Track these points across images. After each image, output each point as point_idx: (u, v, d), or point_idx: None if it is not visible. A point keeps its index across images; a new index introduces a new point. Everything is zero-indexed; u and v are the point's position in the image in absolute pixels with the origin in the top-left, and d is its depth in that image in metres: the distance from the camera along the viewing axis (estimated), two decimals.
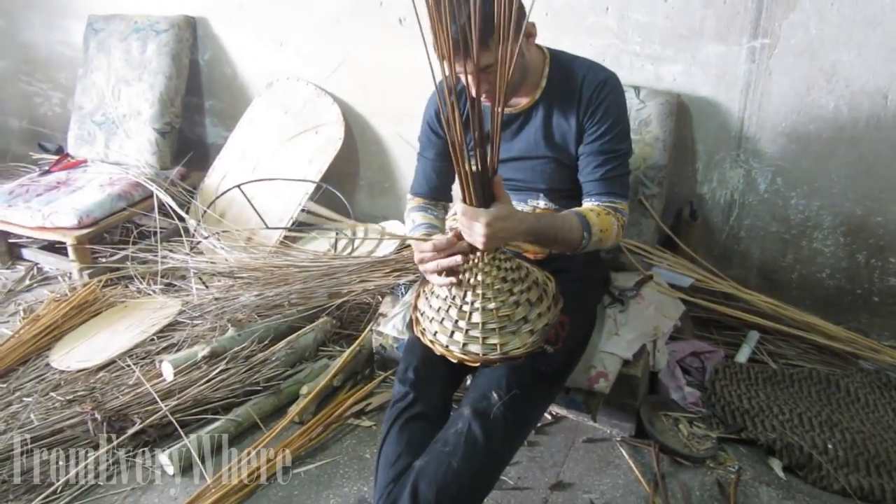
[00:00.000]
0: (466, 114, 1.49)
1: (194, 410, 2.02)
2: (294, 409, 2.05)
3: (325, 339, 2.34)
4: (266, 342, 2.24)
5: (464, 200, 1.47)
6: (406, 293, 2.24)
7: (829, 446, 1.87)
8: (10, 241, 3.05)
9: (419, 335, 1.62)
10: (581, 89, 1.71)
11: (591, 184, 1.73)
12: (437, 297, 1.59)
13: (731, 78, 2.28)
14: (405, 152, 2.92)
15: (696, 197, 2.45)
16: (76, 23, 3.42)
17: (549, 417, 2.08)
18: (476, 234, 1.44)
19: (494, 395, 1.54)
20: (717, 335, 2.41)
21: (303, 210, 2.87)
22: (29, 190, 2.94)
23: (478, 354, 1.54)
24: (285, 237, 2.80)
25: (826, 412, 2.01)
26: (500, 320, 1.52)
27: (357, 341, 2.23)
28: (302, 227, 2.90)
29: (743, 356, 2.27)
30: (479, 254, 1.53)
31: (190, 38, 3.11)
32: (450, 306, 1.56)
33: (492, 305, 1.52)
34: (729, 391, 2.10)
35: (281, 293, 2.30)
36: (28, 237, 3.00)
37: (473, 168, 1.43)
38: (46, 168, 3.15)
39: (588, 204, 1.72)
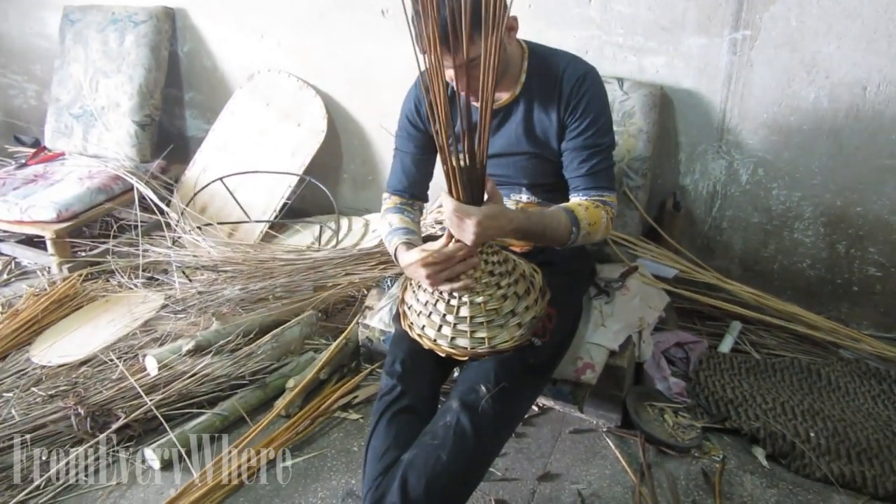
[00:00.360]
0: (449, 108, 1.48)
1: (179, 405, 2.01)
2: (280, 403, 2.04)
3: (311, 333, 2.33)
4: (251, 336, 2.22)
5: (450, 195, 1.47)
6: (392, 286, 2.23)
7: (812, 434, 1.90)
8: None
9: (407, 329, 1.62)
10: (561, 84, 1.70)
11: (577, 179, 1.73)
12: (424, 291, 1.59)
13: (712, 70, 2.29)
14: (389, 145, 2.86)
15: (679, 188, 2.47)
16: (52, 14, 3.36)
17: (536, 409, 2.09)
18: (466, 231, 1.44)
19: (483, 387, 1.54)
20: (700, 326, 2.43)
21: (286, 203, 2.85)
22: (5, 183, 2.89)
23: (466, 348, 1.54)
24: (268, 231, 2.78)
25: (808, 401, 2.04)
26: (487, 314, 1.53)
27: (343, 334, 2.22)
28: (286, 220, 2.88)
29: (726, 346, 2.30)
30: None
31: (169, 29, 3.07)
32: (437, 300, 1.56)
33: (479, 299, 1.52)
34: (713, 381, 2.12)
35: (266, 287, 2.28)
36: (5, 231, 2.95)
37: (462, 163, 1.42)
38: (23, 161, 3.10)
39: (576, 198, 1.72)
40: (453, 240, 1.50)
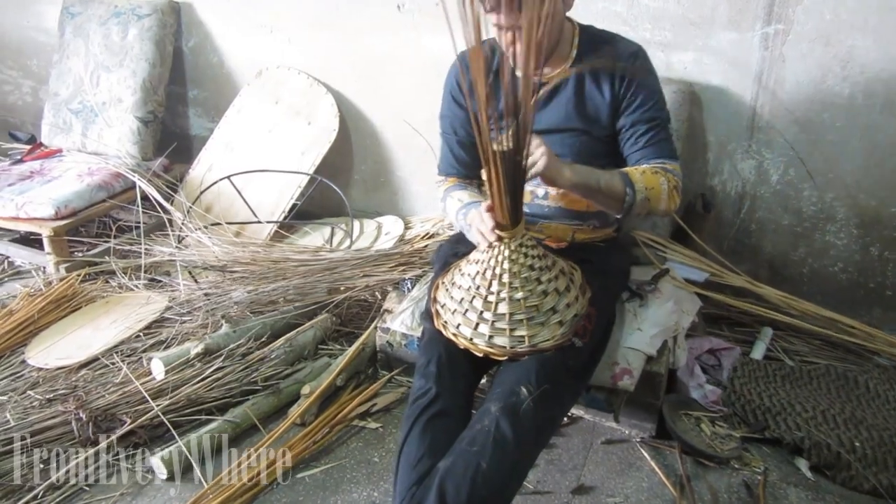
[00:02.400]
0: (491, 84, 1.40)
1: (188, 411, 1.89)
2: (295, 410, 1.92)
3: (325, 337, 2.21)
4: (263, 339, 2.11)
5: (490, 182, 1.38)
6: (412, 288, 2.13)
7: (857, 444, 1.80)
8: None
9: (441, 328, 1.51)
10: (614, 60, 1.66)
11: (637, 153, 1.69)
12: (459, 288, 1.49)
13: (743, 66, 2.22)
14: (402, 145, 2.81)
15: (706, 189, 2.39)
16: (50, 7, 3.24)
17: (565, 419, 1.99)
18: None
19: (524, 390, 1.44)
20: (728, 332, 2.34)
21: (295, 204, 2.74)
22: (0, 179, 2.76)
23: (505, 347, 1.44)
24: (277, 232, 2.67)
25: (849, 409, 1.95)
26: (527, 311, 1.43)
27: (361, 338, 2.11)
28: (296, 221, 2.77)
29: (758, 353, 2.20)
30: (504, 241, 1.44)
31: (174, 23, 2.96)
32: (474, 297, 1.46)
33: (519, 295, 1.43)
34: (748, 389, 2.03)
35: (277, 289, 2.17)
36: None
37: (502, 146, 1.33)
38: (18, 158, 2.97)
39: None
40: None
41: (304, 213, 2.85)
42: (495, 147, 1.34)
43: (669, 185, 1.63)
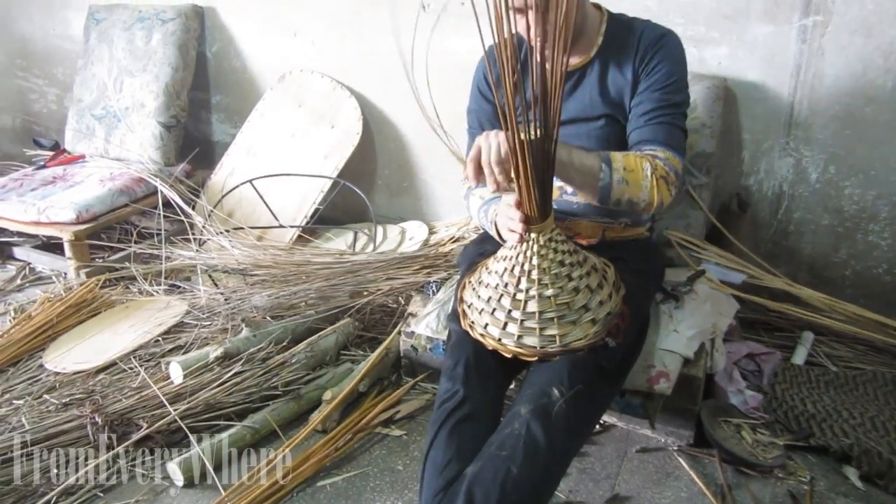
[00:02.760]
0: (519, 76, 1.33)
1: (206, 416, 1.83)
2: (316, 417, 1.86)
3: (347, 343, 2.15)
4: (284, 344, 2.05)
5: (518, 174, 1.32)
6: (437, 291, 2.06)
7: None
8: (1, 239, 2.86)
9: (468, 329, 1.44)
10: (639, 42, 1.61)
11: (634, 133, 1.58)
12: (486, 287, 1.42)
13: (780, 60, 2.14)
14: (426, 147, 2.76)
15: (742, 189, 2.30)
16: (76, 14, 3.25)
17: (597, 426, 1.90)
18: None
19: (555, 391, 1.37)
20: (767, 338, 2.24)
21: (318, 209, 2.69)
22: (23, 184, 2.75)
23: (535, 347, 1.36)
24: (301, 236, 2.62)
25: None
26: (558, 309, 1.35)
27: (384, 343, 2.04)
28: (318, 226, 2.72)
29: (800, 358, 2.10)
30: (534, 236, 1.37)
31: (198, 28, 2.95)
32: (502, 295, 1.38)
33: (549, 292, 1.35)
34: (790, 395, 1.93)
35: (299, 292, 2.11)
36: (20, 235, 2.82)
37: (532, 135, 1.27)
38: (42, 163, 2.97)
39: None
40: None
41: (326, 218, 2.81)
42: (523, 136, 1.28)
43: (655, 174, 1.47)
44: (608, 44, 1.64)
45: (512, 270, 1.38)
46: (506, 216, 1.41)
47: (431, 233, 2.63)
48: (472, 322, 1.44)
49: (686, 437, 1.82)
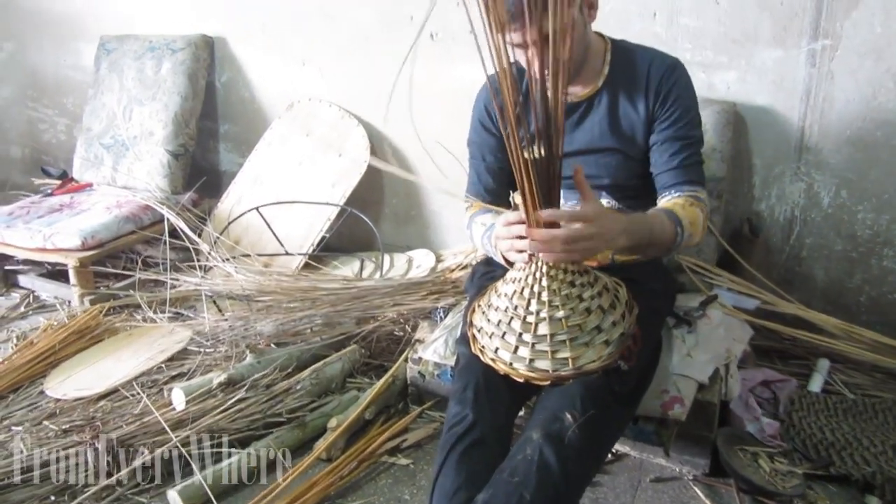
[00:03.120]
0: (521, 104, 1.32)
1: (209, 443, 1.79)
2: (321, 444, 1.81)
3: (353, 370, 2.11)
4: (288, 371, 2.01)
5: (524, 195, 1.29)
6: (445, 317, 2.03)
7: None
8: (7, 267, 2.85)
9: (478, 353, 1.40)
10: (648, 75, 1.57)
11: (668, 174, 1.56)
12: (496, 310, 1.38)
13: (789, 84, 2.13)
14: (435, 176, 2.74)
15: (753, 214, 2.27)
16: (87, 45, 3.28)
17: (609, 455, 1.85)
18: (584, 240, 1.24)
19: (568, 416, 1.32)
20: (781, 365, 2.19)
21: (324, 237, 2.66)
22: (30, 211, 2.75)
23: (547, 371, 1.32)
24: (306, 266, 2.60)
25: None
26: (570, 331, 1.31)
27: (390, 370, 2.00)
28: (325, 254, 2.70)
29: (816, 385, 2.05)
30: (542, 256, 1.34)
31: (207, 57, 2.97)
32: (511, 318, 1.34)
33: (560, 314, 1.31)
34: (808, 423, 1.88)
35: (304, 318, 2.08)
36: (26, 263, 2.82)
37: (535, 154, 1.25)
38: (49, 192, 2.97)
39: (668, 197, 1.55)
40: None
41: (333, 247, 2.79)
42: (526, 155, 1.26)
43: (703, 216, 1.53)
44: (615, 74, 1.61)
45: (521, 293, 1.35)
46: (507, 238, 1.37)
47: (439, 261, 2.60)
48: (483, 346, 1.40)
49: (702, 465, 1.76)
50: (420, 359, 1.93)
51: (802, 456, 1.79)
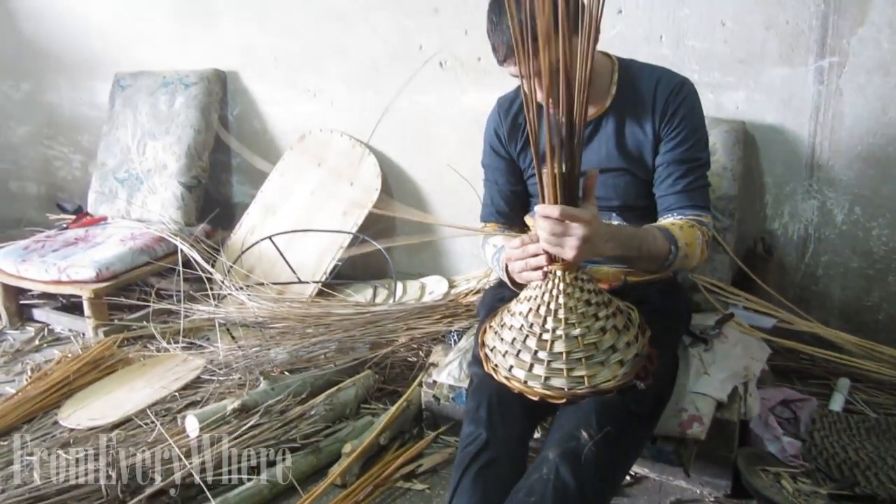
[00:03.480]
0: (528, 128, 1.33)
1: (222, 470, 1.77)
2: (336, 470, 1.79)
3: (367, 396, 2.10)
4: (303, 396, 2.00)
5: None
6: (459, 340, 2.02)
7: None
8: (22, 302, 2.86)
9: (491, 372, 1.39)
10: (655, 94, 1.57)
11: (671, 197, 1.55)
12: (510, 329, 1.37)
13: (798, 101, 2.13)
14: (445, 203, 2.76)
15: (766, 234, 2.26)
16: (102, 83, 3.34)
17: (628, 478, 1.82)
18: (569, 241, 1.25)
19: (584, 434, 1.30)
20: (800, 386, 2.16)
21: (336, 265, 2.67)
22: (45, 245, 2.77)
23: (563, 389, 1.31)
24: (319, 294, 2.60)
25: None
26: (586, 349, 1.30)
27: (405, 395, 1.99)
28: (338, 282, 2.70)
29: (837, 404, 2.01)
30: (558, 273, 1.33)
31: (220, 91, 3.01)
32: (527, 336, 1.33)
33: (576, 332, 1.30)
34: (830, 442, 1.84)
35: (318, 344, 2.07)
36: (41, 297, 2.84)
37: (555, 170, 1.25)
38: (64, 226, 3.00)
39: (668, 218, 1.53)
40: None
41: (345, 276, 2.80)
42: (545, 171, 1.26)
43: (703, 240, 1.51)
44: (622, 94, 1.60)
45: (537, 310, 1.34)
46: (520, 258, 1.37)
47: (452, 286, 2.60)
48: (496, 365, 1.39)
49: (723, 486, 1.73)
50: (434, 382, 1.92)
51: (826, 476, 1.75)
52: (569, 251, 1.25)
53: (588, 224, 1.23)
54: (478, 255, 2.70)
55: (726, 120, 2.17)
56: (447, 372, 1.88)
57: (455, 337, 2.05)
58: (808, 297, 2.26)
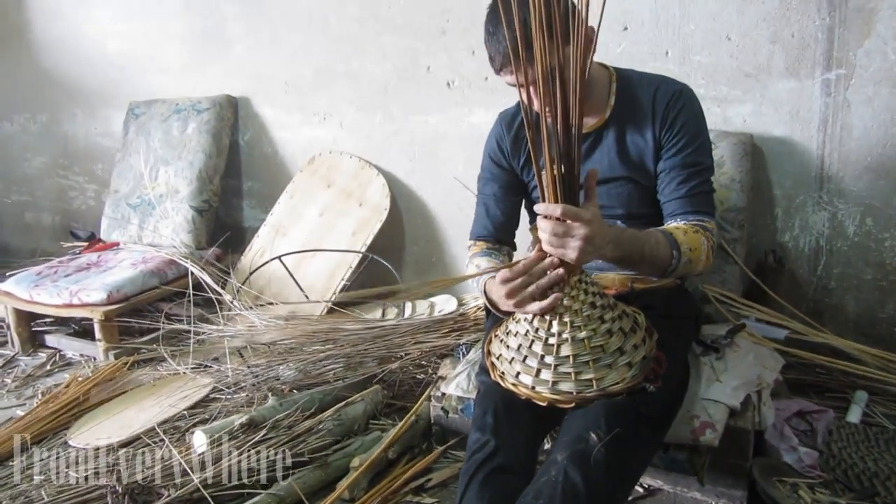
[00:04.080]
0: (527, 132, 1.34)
1: (230, 484, 1.75)
2: (344, 483, 1.77)
3: (376, 412, 2.08)
4: (311, 411, 1.99)
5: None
6: (468, 353, 2.00)
7: None
8: (34, 328, 2.88)
9: (498, 380, 1.37)
10: (654, 101, 1.56)
11: (675, 202, 1.54)
12: (515, 335, 1.36)
13: (805, 114, 2.13)
14: (454, 223, 2.77)
15: (777, 246, 2.24)
16: (117, 112, 3.41)
17: (641, 490, 1.78)
18: (572, 241, 1.24)
19: (593, 435, 1.29)
20: (816, 399, 2.11)
21: (346, 285, 2.68)
22: (57, 271, 2.79)
23: (571, 393, 1.28)
24: (329, 313, 2.60)
25: None
26: (593, 351, 1.28)
27: (413, 409, 1.97)
28: (347, 300, 2.69)
29: (855, 416, 1.98)
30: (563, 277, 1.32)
31: (231, 117, 3.06)
32: (533, 341, 1.32)
33: (583, 335, 1.29)
34: (848, 453, 1.80)
35: (327, 358, 2.06)
36: (53, 321, 2.88)
37: (554, 172, 1.25)
38: (77, 252, 3.02)
39: (672, 223, 1.52)
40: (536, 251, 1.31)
41: (354, 300, 2.79)
42: (545, 174, 1.27)
43: (708, 245, 1.49)
44: (621, 103, 1.60)
45: (542, 315, 1.33)
46: (519, 277, 1.34)
47: (461, 304, 2.58)
48: (503, 373, 1.37)
49: (738, 497, 1.68)
50: (443, 395, 1.90)
51: (845, 486, 1.71)
52: (571, 252, 1.24)
53: (589, 223, 1.22)
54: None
55: (734, 133, 2.17)
56: (455, 383, 1.86)
57: (463, 350, 2.03)
58: (821, 309, 2.24)
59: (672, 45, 2.25)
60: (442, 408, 1.90)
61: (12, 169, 3.88)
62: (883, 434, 1.90)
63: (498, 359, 1.39)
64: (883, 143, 2.06)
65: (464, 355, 2.01)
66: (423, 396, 2.00)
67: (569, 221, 1.23)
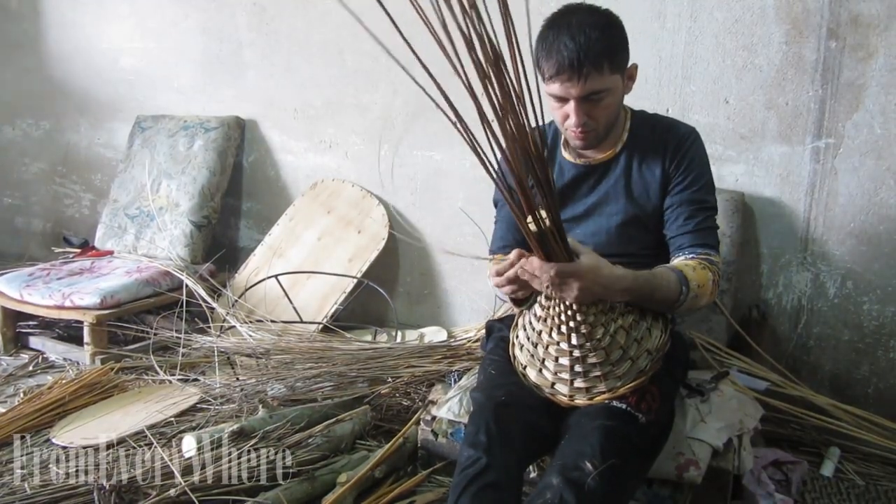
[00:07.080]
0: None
1: (216, 491, 1.76)
2: (330, 498, 1.78)
3: (364, 432, 2.10)
4: (301, 425, 2.00)
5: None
6: (460, 379, 2.04)
7: None
8: (19, 330, 2.86)
9: (521, 376, 1.54)
10: (665, 139, 1.66)
11: (682, 237, 1.61)
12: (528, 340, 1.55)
13: (795, 178, 2.25)
14: (448, 257, 2.82)
15: (761, 302, 2.33)
16: (122, 125, 3.44)
17: None
18: (571, 289, 1.35)
19: (588, 465, 1.33)
20: (791, 452, 2.17)
21: (339, 309, 2.71)
22: (50, 273, 2.80)
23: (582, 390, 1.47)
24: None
25: None
26: (608, 351, 1.45)
27: (403, 430, 2.00)
28: (339, 324, 2.73)
29: (828, 470, 2.04)
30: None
31: (238, 137, 3.12)
32: (548, 345, 1.48)
33: (599, 333, 1.44)
34: None
35: (319, 376, 2.09)
36: (39, 325, 2.88)
37: (538, 223, 1.33)
38: (70, 258, 3.03)
39: (681, 258, 1.59)
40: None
41: (346, 321, 2.82)
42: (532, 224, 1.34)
43: (713, 281, 1.56)
44: (633, 139, 1.68)
45: (546, 320, 1.47)
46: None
47: (450, 337, 2.63)
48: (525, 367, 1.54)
49: None
50: (433, 419, 1.93)
51: None
52: (570, 297, 1.36)
53: (582, 278, 1.32)
54: (477, 308, 2.77)
55: (727, 190, 2.27)
56: (447, 407, 1.89)
57: (455, 377, 2.07)
58: (799, 367, 2.31)
59: (673, 103, 2.37)
60: (432, 431, 1.93)
61: (8, 173, 3.88)
62: (854, 488, 1.96)
63: (521, 349, 1.56)
64: (866, 211, 2.17)
65: (455, 381, 2.05)
66: (413, 420, 2.03)
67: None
